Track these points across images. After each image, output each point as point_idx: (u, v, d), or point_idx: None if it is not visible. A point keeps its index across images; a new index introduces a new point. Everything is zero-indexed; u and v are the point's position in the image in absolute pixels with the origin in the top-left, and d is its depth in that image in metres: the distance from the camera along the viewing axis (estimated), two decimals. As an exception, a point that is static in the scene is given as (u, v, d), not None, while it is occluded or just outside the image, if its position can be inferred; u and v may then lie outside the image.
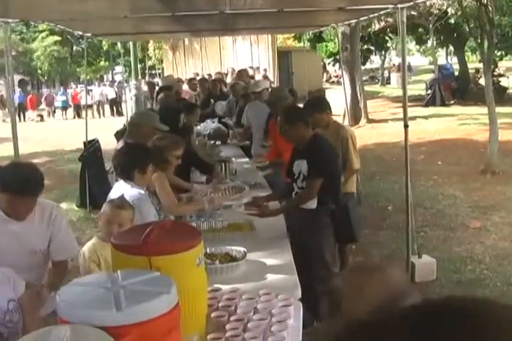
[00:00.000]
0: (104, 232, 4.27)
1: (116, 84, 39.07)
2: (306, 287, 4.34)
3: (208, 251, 4.62)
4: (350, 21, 12.43)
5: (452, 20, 28.59)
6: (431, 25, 28.63)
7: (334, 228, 5.80)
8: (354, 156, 7.06)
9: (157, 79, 25.34)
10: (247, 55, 29.19)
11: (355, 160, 7.09)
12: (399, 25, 8.05)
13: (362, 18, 11.59)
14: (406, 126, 7.84)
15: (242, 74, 15.84)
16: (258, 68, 25.83)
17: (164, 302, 2.46)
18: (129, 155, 5.30)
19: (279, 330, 3.38)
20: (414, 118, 20.70)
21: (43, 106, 42.45)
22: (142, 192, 5.05)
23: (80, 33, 12.64)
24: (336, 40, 23.61)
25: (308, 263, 5.50)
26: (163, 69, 35.81)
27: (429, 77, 31.70)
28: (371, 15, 11.12)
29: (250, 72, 21.67)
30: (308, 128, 5.82)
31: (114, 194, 4.98)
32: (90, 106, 34.25)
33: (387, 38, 36.78)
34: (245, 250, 4.78)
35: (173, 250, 3.01)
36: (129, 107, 18.26)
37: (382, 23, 28.36)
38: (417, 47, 56.66)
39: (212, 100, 13.72)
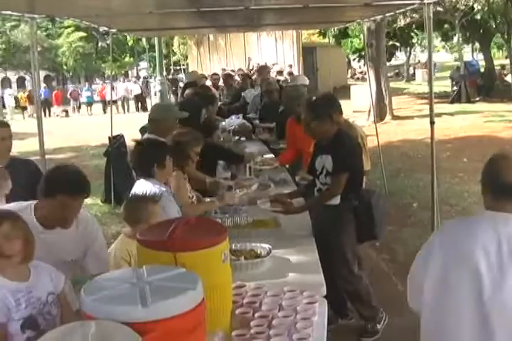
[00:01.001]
0: (134, 232, 4.21)
1: (141, 79, 39.21)
2: (328, 284, 4.30)
3: (233, 247, 4.61)
4: (376, 17, 12.37)
5: (478, 16, 28.44)
6: (457, 21, 28.46)
7: (356, 225, 5.74)
8: (364, 157, 6.73)
9: (181, 75, 25.39)
10: (271, 51, 29.15)
11: (365, 162, 6.84)
12: (425, 21, 7.99)
13: (388, 14, 11.49)
14: (432, 123, 7.79)
15: (263, 70, 15.74)
16: (276, 64, 25.69)
17: (190, 298, 2.45)
18: (144, 152, 5.26)
19: (303, 327, 3.36)
20: (439, 115, 20.56)
21: (68, 101, 42.71)
22: (164, 189, 5.04)
23: (106, 28, 12.64)
24: (361, 36, 23.55)
25: (330, 260, 5.41)
26: (187, 64, 35.84)
27: (453, 73, 31.46)
28: (397, 11, 11.05)
29: (276, 67, 21.66)
30: (333, 123, 5.72)
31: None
32: (115, 102, 34.36)
33: (412, 34, 36.63)
34: (270, 247, 4.76)
35: (198, 246, 2.99)
36: (153, 103, 18.30)
37: (408, 19, 28.19)
38: (443, 43, 56.39)
39: (242, 94, 13.74)
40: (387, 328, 6.07)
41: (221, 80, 17.11)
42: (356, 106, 25.23)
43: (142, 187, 5.00)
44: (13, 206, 4.07)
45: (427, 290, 3.11)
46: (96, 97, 41.57)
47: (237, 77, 18.30)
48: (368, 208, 5.75)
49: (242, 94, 13.64)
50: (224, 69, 24.04)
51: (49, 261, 3.89)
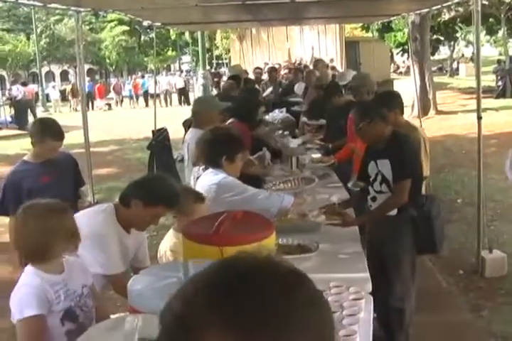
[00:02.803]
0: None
1: (183, 73, 39.35)
2: (379, 300, 4.17)
3: (279, 241, 4.56)
4: (422, 10, 12.24)
5: (525, 10, 28.03)
6: (502, 15, 28.07)
7: (414, 237, 5.28)
8: (425, 162, 6.25)
9: (223, 69, 25.45)
10: (314, 44, 29.04)
11: (425, 167, 6.27)
12: (473, 14, 7.87)
13: (434, 7, 11.37)
14: (479, 118, 7.66)
15: (318, 64, 15.67)
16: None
17: (237, 293, 2.42)
18: (215, 142, 5.20)
19: (350, 324, 3.32)
20: (484, 110, 20.19)
21: (110, 95, 43.04)
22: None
23: (150, 22, 12.71)
24: (405, 29, 23.33)
25: (385, 276, 5.18)
26: (229, 59, 35.90)
27: (497, 67, 31.10)
28: (444, 5, 10.92)
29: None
30: (387, 125, 5.32)
31: (200, 183, 4.96)
32: (158, 96, 34.55)
33: (456, 28, 36.21)
34: (317, 241, 4.70)
35: (245, 240, 2.97)
36: (196, 96, 18.35)
37: (452, 13, 27.87)
38: (487, 37, 55.68)
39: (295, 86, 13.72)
40: (428, 326, 5.91)
41: (264, 74, 17.11)
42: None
43: (207, 178, 4.96)
44: (93, 210, 4.17)
45: None
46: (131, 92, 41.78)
47: (283, 71, 18.30)
48: (428, 218, 5.30)
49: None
50: (267, 64, 24.01)
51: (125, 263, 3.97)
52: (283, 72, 18.72)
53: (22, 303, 3.09)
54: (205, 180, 4.92)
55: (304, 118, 11.02)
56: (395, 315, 5.34)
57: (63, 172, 5.60)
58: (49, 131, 5.37)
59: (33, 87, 32.54)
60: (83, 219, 3.96)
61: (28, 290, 3.12)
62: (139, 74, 54.93)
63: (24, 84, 30.24)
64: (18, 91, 28.16)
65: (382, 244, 5.29)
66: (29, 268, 3.24)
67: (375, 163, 5.34)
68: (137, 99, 40.95)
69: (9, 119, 27.12)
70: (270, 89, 13.39)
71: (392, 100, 6.40)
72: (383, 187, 5.29)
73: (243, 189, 4.80)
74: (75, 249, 3.38)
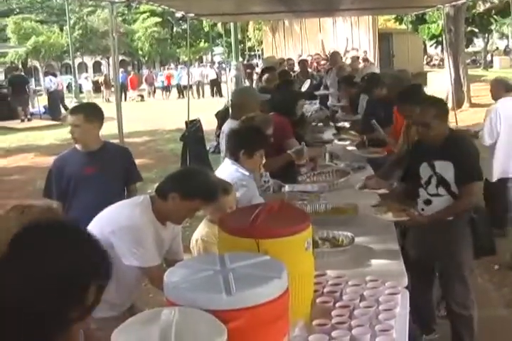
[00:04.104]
0: (216, 218, 4.15)
1: (216, 64, 39.35)
2: (416, 297, 4.12)
3: (315, 234, 4.50)
4: (457, 2, 12.12)
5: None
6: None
7: (473, 239, 5.07)
8: None
9: (256, 61, 25.39)
10: (347, 36, 28.89)
11: None
12: (512, 5, 7.78)
13: (470, -1, 11.25)
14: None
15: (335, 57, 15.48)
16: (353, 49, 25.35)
17: (275, 287, 2.39)
18: (238, 135, 5.23)
19: (386, 319, 3.27)
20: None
21: (143, 86, 43.19)
22: (247, 173, 4.99)
23: (183, 13, 12.70)
24: (439, 21, 23.08)
25: (447, 284, 5.09)
26: (262, 50, 35.85)
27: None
28: (480, -4, 10.81)
29: (352, 53, 21.43)
30: (445, 123, 5.09)
31: (218, 173, 4.96)
32: (190, 87, 34.61)
33: (491, 19, 35.81)
34: (353, 235, 4.66)
35: (282, 233, 2.94)
36: (228, 88, 18.34)
37: (488, 4, 27.55)
38: (521, 29, 55.20)
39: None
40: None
41: (296, 66, 17.04)
42: (432, 93, 24.78)
43: (225, 169, 4.97)
44: (130, 202, 4.14)
45: None
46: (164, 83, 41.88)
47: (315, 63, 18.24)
48: (486, 219, 5.12)
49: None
50: (300, 55, 23.92)
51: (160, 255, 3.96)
52: (315, 64, 18.64)
53: None
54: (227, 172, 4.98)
55: (340, 113, 10.97)
56: (463, 325, 5.19)
57: (110, 165, 5.48)
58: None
59: (60, 79, 32.62)
60: (120, 210, 3.95)
61: None
62: (171, 65, 55.11)
63: (54, 75, 30.42)
64: (51, 82, 28.35)
65: (441, 250, 5.11)
66: None
67: (430, 164, 5.09)
68: (170, 90, 41.04)
69: (42, 110, 27.33)
70: (308, 81, 13.31)
71: (417, 94, 6.27)
72: (440, 190, 5.05)
73: None
74: None
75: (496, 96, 8.25)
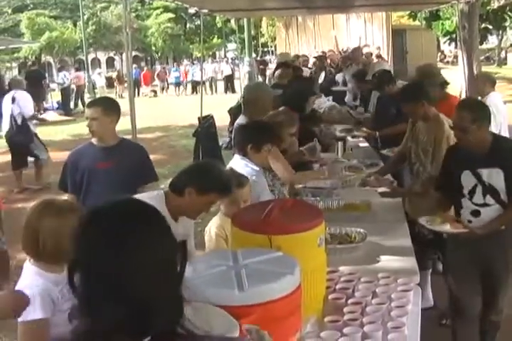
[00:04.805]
0: (230, 211, 4.16)
1: (229, 60, 39.30)
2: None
3: (328, 230, 4.48)
4: (472, -2, 12.07)
5: None
6: (554, 4, 27.61)
7: None
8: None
9: (269, 57, 25.35)
10: (360, 33, 28.79)
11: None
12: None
13: (484, -5, 11.19)
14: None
15: (356, 53, 15.45)
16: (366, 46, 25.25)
17: (288, 283, 2.40)
18: (245, 130, 5.24)
19: (398, 316, 3.27)
20: (533, 100, 19.97)
21: (156, 82, 43.21)
22: (256, 168, 4.99)
23: (196, 9, 12.70)
24: (453, 18, 22.98)
25: (492, 296, 4.85)
26: (275, 46, 35.81)
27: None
28: (494, -8, 10.75)
29: (366, 49, 21.36)
30: (485, 128, 4.64)
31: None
32: (203, 83, 34.59)
33: (506, 16, 35.64)
34: (365, 231, 4.65)
35: (294, 229, 2.95)
36: (242, 84, 18.32)
37: (502, 1, 27.43)
38: (535, 27, 54.87)
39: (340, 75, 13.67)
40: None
41: (310, 62, 17.02)
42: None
43: (234, 164, 4.98)
44: (144, 196, 4.04)
45: None
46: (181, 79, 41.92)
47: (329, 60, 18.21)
48: None
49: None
50: (317, 52, 23.87)
51: None
52: (328, 60, 18.61)
53: None
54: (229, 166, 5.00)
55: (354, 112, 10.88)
56: (493, 327, 5.05)
57: (125, 162, 5.41)
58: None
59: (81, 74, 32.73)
60: None
61: (31, 292, 3.04)
62: (185, 61, 55.16)
63: (78, 69, 30.57)
64: (64, 77, 28.45)
65: (497, 258, 4.75)
66: (30, 268, 3.18)
67: (473, 172, 4.67)
68: (185, 86, 41.02)
69: (56, 105, 27.41)
70: (323, 73, 13.27)
71: (417, 90, 5.98)
72: (488, 199, 4.65)
73: None
74: None
75: (483, 93, 8.24)
